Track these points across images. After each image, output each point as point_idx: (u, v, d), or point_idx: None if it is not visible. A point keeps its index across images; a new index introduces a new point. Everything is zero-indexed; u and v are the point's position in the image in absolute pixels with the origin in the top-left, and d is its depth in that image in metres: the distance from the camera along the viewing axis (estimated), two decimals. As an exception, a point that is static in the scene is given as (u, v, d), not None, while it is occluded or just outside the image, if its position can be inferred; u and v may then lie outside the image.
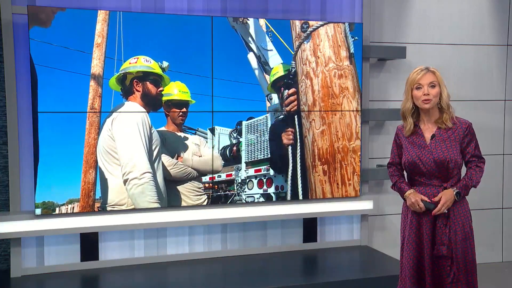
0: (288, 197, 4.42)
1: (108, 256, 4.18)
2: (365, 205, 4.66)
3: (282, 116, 4.38)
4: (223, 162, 4.31)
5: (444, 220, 2.92)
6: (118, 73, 3.96)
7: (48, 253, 4.06)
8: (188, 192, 4.21)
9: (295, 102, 4.39)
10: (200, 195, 4.25)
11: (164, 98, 4.11)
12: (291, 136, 4.39)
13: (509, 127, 5.18)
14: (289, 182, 4.42)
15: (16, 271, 3.96)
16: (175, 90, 4.12)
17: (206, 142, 4.24)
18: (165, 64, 4.04)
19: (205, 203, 4.25)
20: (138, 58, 4.00)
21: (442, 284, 2.93)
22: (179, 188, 4.18)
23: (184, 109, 4.16)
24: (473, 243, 2.97)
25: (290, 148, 4.42)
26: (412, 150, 3.00)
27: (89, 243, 4.13)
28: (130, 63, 3.98)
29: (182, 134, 4.20)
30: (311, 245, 4.65)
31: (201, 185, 4.25)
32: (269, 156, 4.38)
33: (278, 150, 4.40)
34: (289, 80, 4.37)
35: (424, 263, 2.97)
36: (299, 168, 4.43)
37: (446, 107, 2.94)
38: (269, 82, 4.35)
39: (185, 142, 4.21)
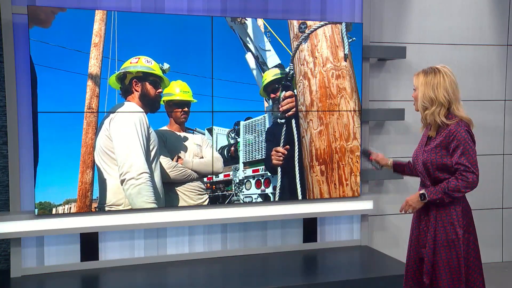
0: (286, 198, 4.42)
1: (108, 256, 4.19)
2: (365, 205, 4.66)
3: (279, 119, 4.38)
4: (223, 165, 4.31)
5: (428, 223, 2.91)
6: (119, 72, 3.97)
7: (48, 253, 4.06)
8: (189, 192, 4.21)
9: (293, 104, 4.39)
10: (202, 194, 4.25)
11: (165, 98, 4.11)
12: (281, 158, 4.39)
13: (509, 127, 5.17)
14: (287, 182, 4.42)
15: (16, 271, 3.96)
16: (176, 90, 4.12)
17: (209, 142, 4.24)
18: (166, 66, 4.03)
19: (206, 202, 4.25)
20: (139, 58, 4.00)
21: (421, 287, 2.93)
22: (179, 188, 4.18)
23: (186, 109, 4.16)
24: (460, 252, 2.84)
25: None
26: (416, 149, 3.04)
27: (89, 243, 4.13)
28: (131, 63, 3.98)
29: (183, 134, 4.20)
30: (311, 245, 4.65)
31: (202, 185, 4.25)
32: (264, 157, 4.39)
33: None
34: (286, 82, 4.36)
35: (411, 263, 3.00)
36: (297, 168, 4.43)
37: (422, 110, 2.91)
38: (260, 87, 4.35)
39: (187, 142, 4.21)
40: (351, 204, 4.61)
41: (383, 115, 4.71)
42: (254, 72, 4.31)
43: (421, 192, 2.89)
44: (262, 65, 4.32)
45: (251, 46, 4.29)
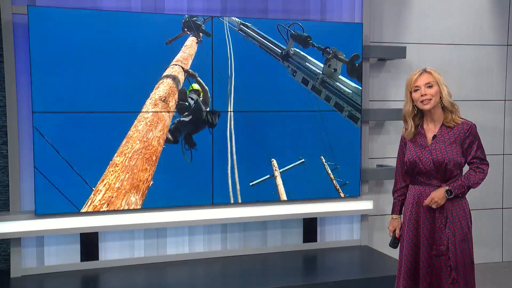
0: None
1: (108, 256, 4.19)
2: (365, 205, 4.66)
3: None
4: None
5: (444, 220, 2.92)
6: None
7: (48, 253, 4.06)
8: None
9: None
10: None
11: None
12: None
13: (509, 127, 5.18)
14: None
15: (16, 271, 3.96)
16: None
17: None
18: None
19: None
20: None
21: (440, 285, 2.92)
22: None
23: None
24: (471, 244, 2.96)
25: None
26: (413, 150, 3.01)
27: (89, 243, 4.12)
28: None
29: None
30: (311, 245, 4.65)
31: None
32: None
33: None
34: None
35: (420, 262, 2.98)
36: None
37: (449, 105, 2.91)
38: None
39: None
40: (351, 204, 4.61)
41: (383, 115, 4.71)
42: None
43: (446, 188, 2.89)
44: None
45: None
